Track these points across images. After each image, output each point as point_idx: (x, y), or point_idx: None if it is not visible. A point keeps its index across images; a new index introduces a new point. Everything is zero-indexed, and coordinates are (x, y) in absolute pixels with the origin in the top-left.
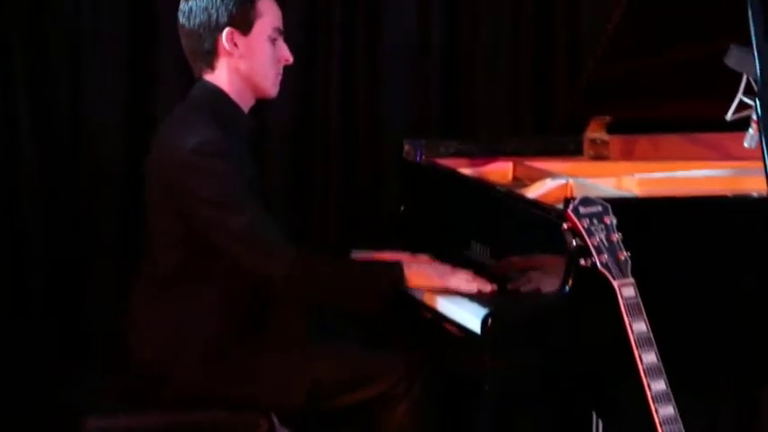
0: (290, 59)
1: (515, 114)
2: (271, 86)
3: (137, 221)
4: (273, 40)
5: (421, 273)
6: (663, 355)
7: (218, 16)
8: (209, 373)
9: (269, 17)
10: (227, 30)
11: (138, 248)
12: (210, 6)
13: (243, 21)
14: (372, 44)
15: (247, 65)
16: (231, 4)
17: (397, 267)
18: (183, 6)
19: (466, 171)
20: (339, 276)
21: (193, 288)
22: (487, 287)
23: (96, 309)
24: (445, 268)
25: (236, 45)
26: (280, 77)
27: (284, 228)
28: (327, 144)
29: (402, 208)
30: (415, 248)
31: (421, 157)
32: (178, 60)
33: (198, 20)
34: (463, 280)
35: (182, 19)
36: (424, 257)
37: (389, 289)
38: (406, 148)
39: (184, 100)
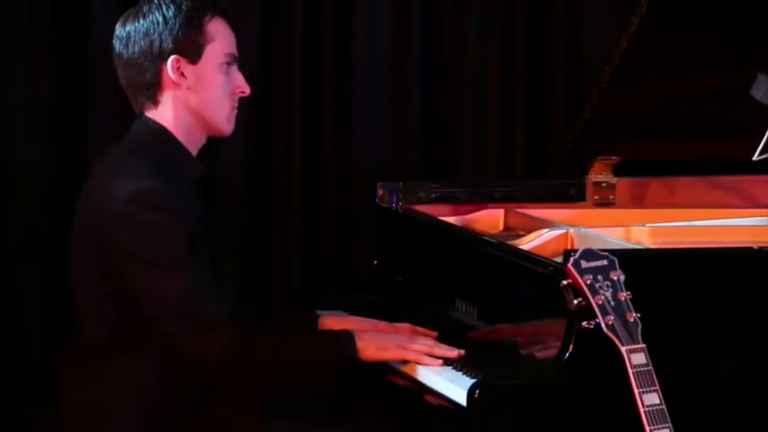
0: (247, 90)
1: (507, 154)
2: (225, 122)
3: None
4: (226, 68)
5: (375, 344)
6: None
7: (161, 42)
8: None
9: (220, 41)
10: (172, 58)
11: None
12: (152, 31)
13: (191, 47)
14: (341, 72)
15: (197, 98)
16: (176, 27)
17: (348, 340)
18: (119, 32)
19: (449, 219)
20: (282, 356)
21: (126, 360)
22: (453, 353)
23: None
24: (402, 337)
25: (183, 75)
26: (235, 111)
27: (228, 293)
28: (288, 188)
29: (375, 262)
30: (390, 308)
31: (397, 204)
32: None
33: (137, 47)
34: (423, 347)
35: (118, 47)
36: (404, 326)
37: (340, 366)
38: (380, 192)
39: (121, 138)
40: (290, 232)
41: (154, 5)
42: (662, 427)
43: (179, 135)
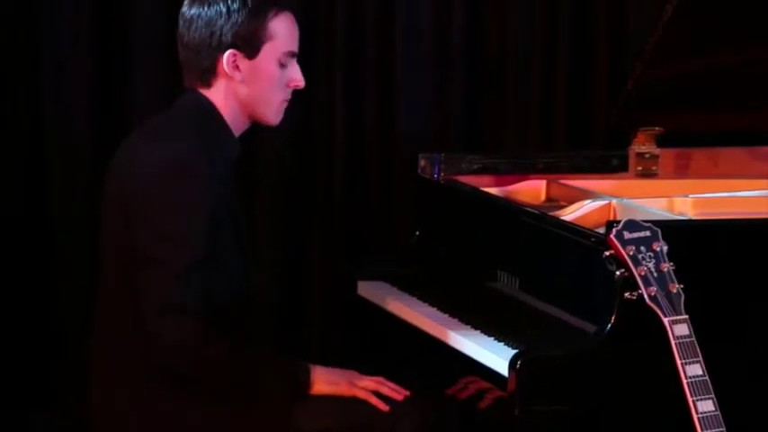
0: (301, 84)
1: (549, 125)
2: (273, 115)
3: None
4: (282, 66)
5: (327, 378)
6: (722, 404)
7: (221, 34)
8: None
9: (281, 39)
10: (229, 51)
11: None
12: (215, 21)
13: (250, 43)
14: (384, 43)
15: (249, 91)
16: (238, 21)
17: (304, 370)
18: (184, 10)
19: (491, 190)
20: (235, 368)
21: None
22: (399, 395)
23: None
24: (353, 374)
25: (237, 69)
26: (286, 104)
27: (245, 277)
28: (331, 159)
29: (417, 233)
30: (430, 279)
31: (439, 174)
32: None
33: (198, 33)
34: (372, 384)
35: (181, 26)
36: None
37: (289, 392)
38: (422, 163)
39: (167, 108)
40: (332, 203)
41: None
42: (705, 398)
43: (225, 116)
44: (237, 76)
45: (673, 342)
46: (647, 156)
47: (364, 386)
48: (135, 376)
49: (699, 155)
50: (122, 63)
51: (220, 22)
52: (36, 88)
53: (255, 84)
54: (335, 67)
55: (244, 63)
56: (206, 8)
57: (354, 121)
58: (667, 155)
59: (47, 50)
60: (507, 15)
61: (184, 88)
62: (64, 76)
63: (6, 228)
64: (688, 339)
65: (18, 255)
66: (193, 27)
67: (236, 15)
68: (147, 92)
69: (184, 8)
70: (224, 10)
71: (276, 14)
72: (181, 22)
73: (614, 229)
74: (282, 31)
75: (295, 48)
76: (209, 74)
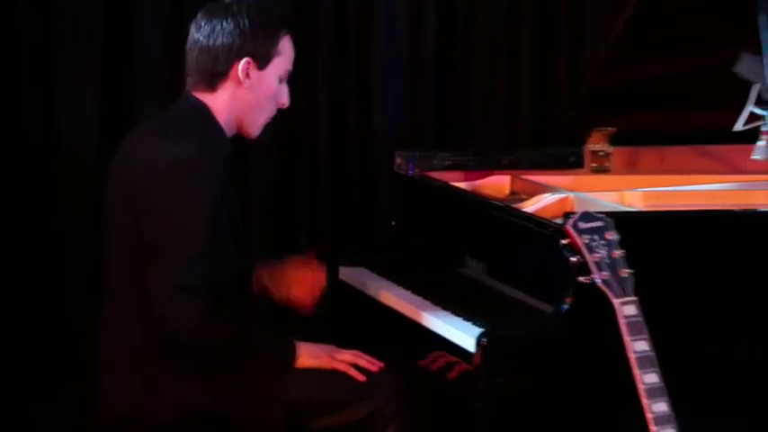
0: (287, 104)
1: (513, 125)
2: (258, 127)
3: None
4: (280, 81)
5: (310, 353)
6: (668, 379)
7: (242, 42)
8: (174, 383)
9: (285, 57)
10: (246, 59)
11: None
12: (237, 31)
13: (263, 54)
14: (363, 51)
15: (251, 99)
16: (258, 33)
17: (291, 346)
18: (202, 22)
19: (460, 185)
20: (236, 346)
21: (147, 315)
22: (374, 366)
23: (70, 327)
24: (333, 348)
25: (248, 76)
26: (269, 120)
27: (244, 264)
28: (315, 156)
29: (393, 222)
30: (406, 265)
31: (413, 170)
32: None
33: (220, 41)
34: (350, 357)
35: (198, 35)
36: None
37: (278, 367)
38: (398, 160)
39: (166, 110)
40: (317, 197)
41: (243, 8)
42: (650, 371)
43: (220, 119)
44: (247, 83)
45: (621, 321)
46: (600, 153)
47: (343, 359)
48: (144, 363)
49: (648, 152)
50: (129, 70)
51: (244, 31)
52: (47, 95)
53: (258, 93)
54: (319, 72)
55: (254, 72)
56: (229, 19)
57: (337, 122)
58: (619, 152)
59: (59, 58)
60: (476, 24)
61: (181, 92)
62: (74, 83)
63: (16, 227)
64: (635, 319)
65: (27, 254)
66: (215, 35)
67: (257, 28)
68: (152, 97)
69: (202, 20)
70: (247, 22)
71: (285, 34)
72: (197, 33)
73: (571, 220)
74: (287, 50)
75: (291, 68)
76: (218, 77)
